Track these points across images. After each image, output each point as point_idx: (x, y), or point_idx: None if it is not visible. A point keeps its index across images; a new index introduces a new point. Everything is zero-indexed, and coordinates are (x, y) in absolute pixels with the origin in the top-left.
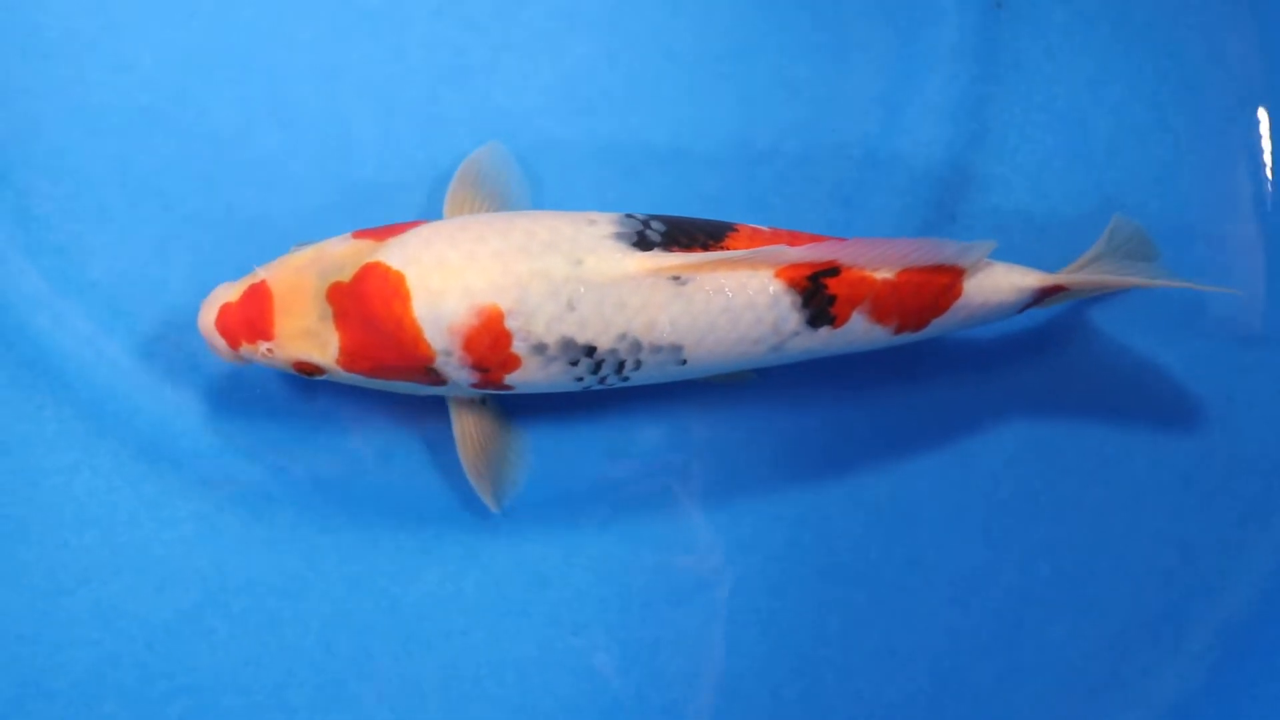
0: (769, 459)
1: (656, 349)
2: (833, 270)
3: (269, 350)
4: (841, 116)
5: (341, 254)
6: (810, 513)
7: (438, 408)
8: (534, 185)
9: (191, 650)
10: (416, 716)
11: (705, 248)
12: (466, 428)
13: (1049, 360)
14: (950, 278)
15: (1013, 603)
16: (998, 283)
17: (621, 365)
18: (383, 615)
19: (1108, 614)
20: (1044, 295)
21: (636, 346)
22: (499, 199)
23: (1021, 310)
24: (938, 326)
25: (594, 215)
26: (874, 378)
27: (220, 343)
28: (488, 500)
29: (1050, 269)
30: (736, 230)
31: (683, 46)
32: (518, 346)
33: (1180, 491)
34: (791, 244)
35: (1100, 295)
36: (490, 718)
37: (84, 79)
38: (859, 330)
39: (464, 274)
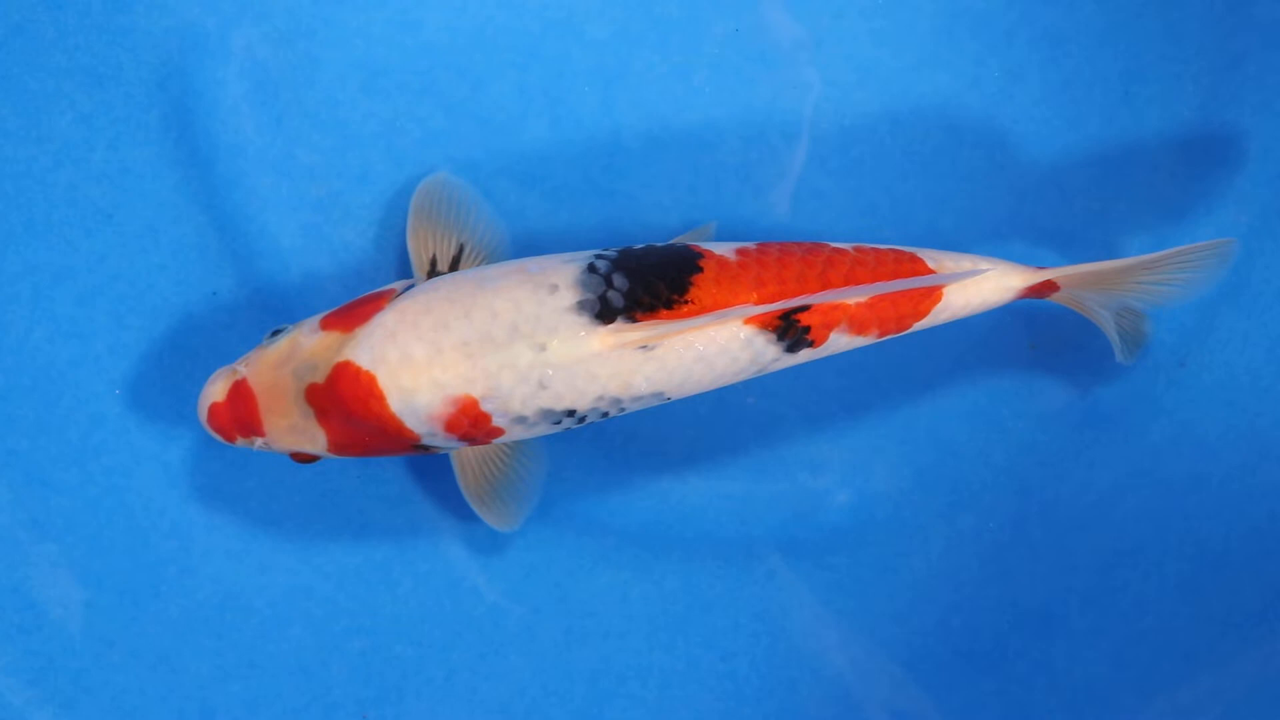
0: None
1: (637, 398)
2: (803, 306)
3: (264, 444)
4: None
5: (312, 351)
6: (961, 605)
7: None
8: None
9: (375, 596)
10: (564, 698)
11: (669, 304)
12: (465, 457)
13: None
14: (928, 288)
15: None
16: (980, 284)
17: (605, 414)
18: (551, 603)
19: None
20: (1034, 293)
21: (617, 402)
22: (460, 228)
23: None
24: (923, 327)
25: (556, 274)
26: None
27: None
28: (497, 524)
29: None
30: (702, 270)
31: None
32: (498, 421)
33: None
34: (763, 260)
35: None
36: (628, 714)
37: (368, 32)
38: (841, 344)
39: (431, 369)
